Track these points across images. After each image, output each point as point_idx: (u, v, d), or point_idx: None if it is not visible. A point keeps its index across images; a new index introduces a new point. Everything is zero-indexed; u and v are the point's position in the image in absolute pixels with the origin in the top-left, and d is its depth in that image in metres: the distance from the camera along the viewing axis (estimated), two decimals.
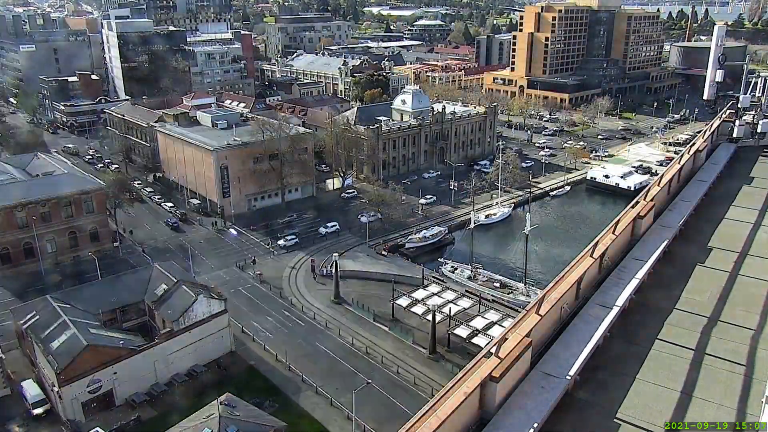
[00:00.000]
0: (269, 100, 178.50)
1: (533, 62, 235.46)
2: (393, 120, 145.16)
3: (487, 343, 18.41)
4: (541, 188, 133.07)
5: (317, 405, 61.51)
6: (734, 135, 37.67)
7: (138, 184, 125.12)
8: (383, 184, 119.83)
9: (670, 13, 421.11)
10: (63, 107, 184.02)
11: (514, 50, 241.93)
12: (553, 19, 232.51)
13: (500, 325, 69.41)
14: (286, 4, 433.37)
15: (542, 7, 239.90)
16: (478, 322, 72.38)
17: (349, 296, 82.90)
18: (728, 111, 39.32)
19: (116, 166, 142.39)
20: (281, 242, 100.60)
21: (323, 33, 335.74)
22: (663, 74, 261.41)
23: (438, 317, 69.61)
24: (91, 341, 59.48)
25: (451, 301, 76.24)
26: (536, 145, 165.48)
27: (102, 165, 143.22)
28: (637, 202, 25.67)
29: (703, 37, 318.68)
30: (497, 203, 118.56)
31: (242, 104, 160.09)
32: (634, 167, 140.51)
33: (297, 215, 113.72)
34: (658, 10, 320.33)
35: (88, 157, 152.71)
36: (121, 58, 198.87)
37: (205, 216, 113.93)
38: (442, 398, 14.52)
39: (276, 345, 71.82)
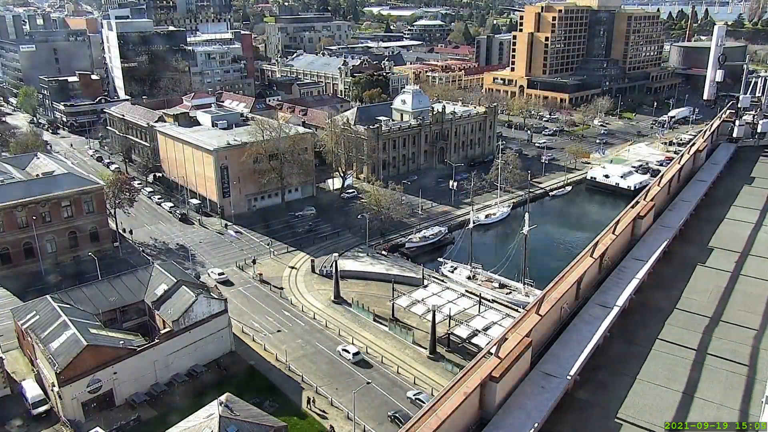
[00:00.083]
0: (269, 100, 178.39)
1: (533, 62, 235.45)
2: (393, 120, 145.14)
3: (487, 343, 18.41)
4: (542, 188, 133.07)
5: (317, 405, 61.43)
6: (734, 135, 37.68)
7: (138, 184, 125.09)
8: (383, 184, 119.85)
9: (670, 13, 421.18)
10: (63, 107, 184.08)
11: (514, 50, 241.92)
12: (553, 19, 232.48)
13: (500, 325, 69.40)
14: (286, 4, 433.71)
15: (542, 7, 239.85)
16: (478, 322, 72.40)
17: (349, 296, 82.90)
18: (728, 111, 39.33)
19: (116, 166, 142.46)
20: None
21: (323, 33, 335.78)
22: (663, 74, 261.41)
23: (438, 317, 69.60)
24: (90, 341, 59.47)
25: (451, 301, 76.27)
26: (536, 145, 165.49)
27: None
28: (637, 202, 25.67)
29: (703, 37, 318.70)
30: (497, 203, 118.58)
31: (242, 104, 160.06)
32: (634, 167, 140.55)
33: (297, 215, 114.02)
34: (658, 10, 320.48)
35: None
36: (121, 58, 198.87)
37: (205, 216, 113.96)
38: (442, 398, 14.53)
39: (276, 345, 71.84)
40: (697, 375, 17.05)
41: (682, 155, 31.81)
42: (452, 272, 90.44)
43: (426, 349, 70.22)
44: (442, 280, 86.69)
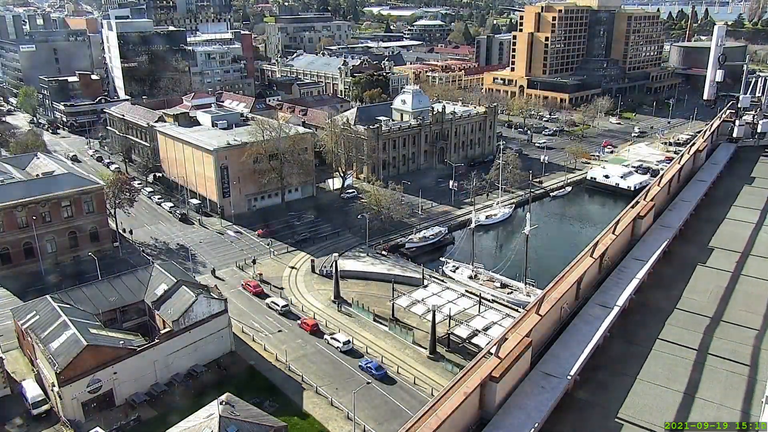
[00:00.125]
0: (269, 100, 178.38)
1: (533, 62, 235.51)
2: (393, 120, 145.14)
3: (487, 343, 18.41)
4: (542, 188, 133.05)
5: (317, 405, 61.51)
6: (734, 135, 37.68)
7: (138, 184, 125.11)
8: (383, 184, 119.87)
9: (670, 13, 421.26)
10: (63, 107, 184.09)
11: (514, 50, 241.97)
12: (553, 19, 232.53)
13: (500, 325, 69.39)
14: (286, 4, 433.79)
15: (542, 7, 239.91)
16: (478, 322, 72.38)
17: (349, 296, 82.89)
18: (728, 111, 39.34)
19: (116, 166, 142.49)
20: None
21: (323, 33, 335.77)
22: (663, 74, 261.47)
23: (438, 317, 69.60)
24: (90, 341, 59.46)
25: (451, 301, 76.26)
26: (536, 145, 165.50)
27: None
28: (637, 202, 25.67)
29: (703, 37, 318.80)
30: (498, 203, 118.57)
31: (242, 104, 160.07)
32: (634, 167, 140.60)
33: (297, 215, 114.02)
34: (658, 10, 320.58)
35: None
36: (121, 58, 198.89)
37: (205, 216, 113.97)
38: (442, 398, 14.53)
39: (276, 345, 71.84)
40: (697, 375, 17.05)
41: (682, 155, 31.81)
42: (454, 272, 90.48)
43: (426, 349, 70.21)
44: (442, 280, 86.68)
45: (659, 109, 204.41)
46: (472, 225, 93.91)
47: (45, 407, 60.17)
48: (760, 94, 39.79)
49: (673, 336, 18.71)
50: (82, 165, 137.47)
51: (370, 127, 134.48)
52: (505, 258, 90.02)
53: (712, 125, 38.00)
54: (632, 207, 25.48)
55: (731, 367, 17.22)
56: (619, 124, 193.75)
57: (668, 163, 47.06)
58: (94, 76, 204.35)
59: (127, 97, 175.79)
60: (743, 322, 19.29)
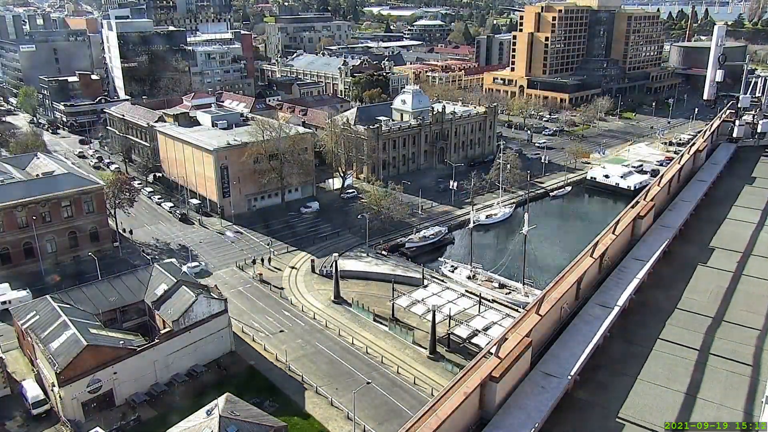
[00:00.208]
0: (269, 100, 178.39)
1: (533, 62, 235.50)
2: (393, 120, 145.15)
3: (487, 343, 18.40)
4: (543, 188, 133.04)
5: (317, 405, 61.52)
6: (734, 135, 37.68)
7: (138, 184, 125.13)
8: (383, 184, 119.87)
9: (670, 13, 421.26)
10: (63, 107, 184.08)
11: (514, 50, 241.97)
12: (553, 19, 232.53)
13: (500, 325, 69.37)
14: (286, 4, 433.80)
15: (542, 7, 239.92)
16: (478, 322, 72.37)
17: (349, 296, 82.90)
18: (728, 111, 39.34)
19: (116, 166, 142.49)
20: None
21: (323, 33, 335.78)
22: (663, 74, 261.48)
23: (438, 317, 69.59)
24: (90, 341, 59.46)
25: (451, 301, 76.24)
26: (536, 145, 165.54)
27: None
28: (637, 202, 25.67)
29: (703, 37, 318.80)
30: (497, 203, 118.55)
31: (242, 104, 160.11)
32: (634, 167, 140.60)
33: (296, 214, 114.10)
34: (658, 10, 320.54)
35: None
36: (121, 58, 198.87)
37: (205, 216, 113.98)
38: (442, 398, 14.53)
39: (276, 345, 71.84)
40: (697, 375, 17.05)
41: (682, 155, 31.81)
42: (452, 272, 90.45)
43: (426, 349, 70.20)
44: (442, 280, 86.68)
45: (659, 109, 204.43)
46: (471, 225, 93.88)
47: (45, 407, 60.16)
48: (760, 94, 39.79)
49: (673, 336, 18.71)
50: (82, 165, 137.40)
51: (370, 127, 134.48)
52: (504, 258, 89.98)
53: (712, 125, 38.00)
54: (632, 207, 25.48)
55: (731, 367, 17.22)
56: (623, 123, 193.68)
57: (668, 163, 47.07)
58: (94, 76, 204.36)
59: (127, 97, 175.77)
60: (743, 322, 19.29)
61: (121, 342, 62.74)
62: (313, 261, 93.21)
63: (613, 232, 22.95)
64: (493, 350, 15.90)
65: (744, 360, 17.50)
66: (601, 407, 16.09)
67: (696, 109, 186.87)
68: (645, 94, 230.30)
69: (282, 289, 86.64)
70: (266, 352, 70.69)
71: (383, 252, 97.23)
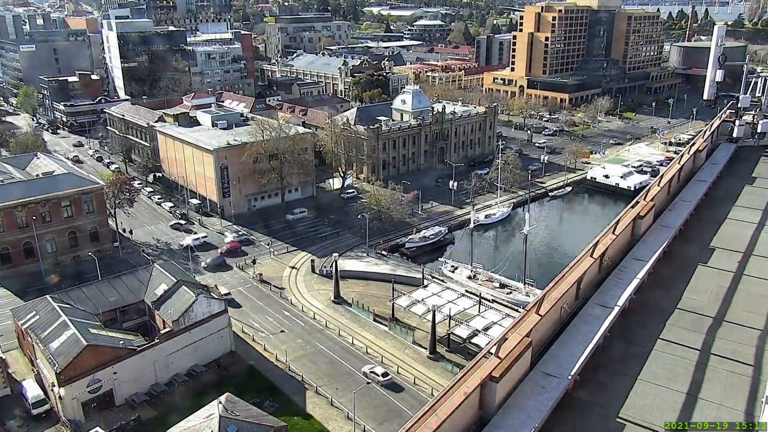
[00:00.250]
0: (269, 100, 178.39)
1: (533, 62, 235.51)
2: (393, 120, 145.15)
3: (487, 343, 18.40)
4: (543, 187, 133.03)
5: (317, 405, 61.52)
6: (734, 135, 37.67)
7: (138, 184, 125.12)
8: (383, 184, 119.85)
9: (670, 13, 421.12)
10: (63, 107, 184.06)
11: (514, 50, 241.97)
12: (553, 19, 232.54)
13: (500, 325, 69.35)
14: (286, 4, 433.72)
15: (542, 7, 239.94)
16: (478, 322, 72.35)
17: (349, 296, 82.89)
18: (728, 111, 39.34)
19: (116, 166, 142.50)
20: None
21: (323, 33, 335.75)
22: (663, 74, 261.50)
23: (438, 317, 69.59)
24: (90, 341, 59.46)
25: (451, 301, 76.20)
26: (536, 145, 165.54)
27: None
28: (637, 202, 25.66)
29: (703, 37, 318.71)
30: (497, 203, 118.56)
31: (242, 104, 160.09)
32: (634, 167, 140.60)
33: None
34: (658, 10, 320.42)
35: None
36: (121, 58, 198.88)
37: (205, 216, 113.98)
38: (442, 398, 14.53)
39: (276, 345, 71.84)
40: (697, 375, 17.05)
41: (682, 155, 31.80)
42: (453, 272, 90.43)
43: (426, 349, 70.21)
44: (442, 280, 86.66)
45: (659, 109, 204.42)
46: (471, 225, 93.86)
47: (45, 407, 60.15)
48: (760, 94, 39.80)
49: (674, 336, 18.71)
50: (82, 165, 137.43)
51: (370, 127, 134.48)
52: (504, 258, 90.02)
53: (712, 125, 38.00)
54: (632, 207, 25.47)
55: (731, 367, 17.22)
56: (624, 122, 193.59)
57: (668, 163, 47.07)
58: (94, 76, 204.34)
59: (127, 97, 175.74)
60: (744, 322, 19.29)
61: (121, 342, 62.75)
62: (313, 261, 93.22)
63: (613, 232, 22.95)
64: (493, 350, 15.90)
65: (744, 360, 17.50)
66: (601, 407, 16.09)
67: (695, 109, 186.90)
68: (645, 94, 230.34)
69: (282, 289, 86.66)
70: (266, 352, 70.70)
71: (383, 252, 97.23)
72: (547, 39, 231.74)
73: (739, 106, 38.50)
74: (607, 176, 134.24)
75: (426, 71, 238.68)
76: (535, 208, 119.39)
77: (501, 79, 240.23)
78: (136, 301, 71.62)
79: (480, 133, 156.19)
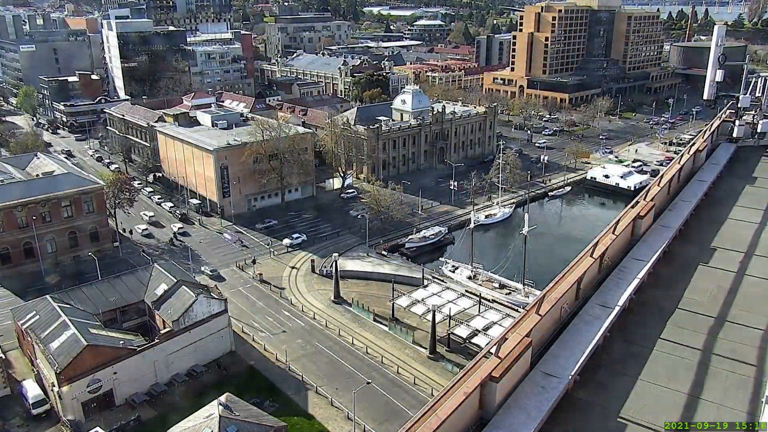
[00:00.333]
0: (269, 100, 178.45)
1: (533, 62, 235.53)
2: (393, 120, 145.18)
3: (487, 343, 18.40)
4: (543, 187, 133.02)
5: (317, 405, 61.52)
6: (734, 135, 37.66)
7: (138, 184, 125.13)
8: (383, 184, 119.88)
9: (670, 13, 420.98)
10: (63, 107, 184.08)
11: (514, 50, 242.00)
12: (553, 19, 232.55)
13: (500, 325, 69.38)
14: (286, 4, 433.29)
15: (542, 7, 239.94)
16: (478, 322, 72.38)
17: (349, 296, 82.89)
18: (728, 111, 39.32)
19: (116, 166, 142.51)
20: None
21: (323, 33, 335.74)
22: (663, 74, 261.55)
23: (438, 317, 69.59)
24: (90, 341, 59.47)
25: (451, 301, 76.22)
26: (536, 145, 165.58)
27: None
28: (637, 202, 25.65)
29: (703, 37, 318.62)
30: (497, 203, 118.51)
31: (242, 104, 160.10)
32: (634, 167, 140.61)
33: (297, 214, 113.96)
34: (658, 10, 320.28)
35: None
36: (121, 58, 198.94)
37: (205, 216, 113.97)
38: (442, 398, 14.52)
39: (276, 345, 71.84)
40: (697, 375, 17.05)
41: (682, 155, 31.78)
42: (453, 272, 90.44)
43: (426, 349, 70.21)
44: (442, 280, 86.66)
45: (659, 109, 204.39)
46: (471, 225, 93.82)
47: (45, 407, 60.19)
48: (760, 94, 39.77)
49: (674, 336, 18.71)
50: (82, 165, 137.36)
51: (370, 127, 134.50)
52: (504, 258, 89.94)
53: (712, 125, 37.98)
54: (632, 207, 25.45)
55: (732, 367, 17.22)
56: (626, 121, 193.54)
57: (668, 163, 47.04)
58: (94, 76, 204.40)
59: (127, 97, 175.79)
60: (744, 322, 19.29)
61: (121, 342, 62.75)
62: (313, 261, 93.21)
63: (613, 232, 22.94)
64: (493, 350, 15.89)
65: (744, 360, 17.50)
66: (601, 407, 16.09)
67: (695, 110, 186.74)
68: (645, 94, 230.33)
69: (282, 289, 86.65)
70: (266, 352, 70.71)
71: (383, 252, 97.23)
72: (547, 39, 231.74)
73: (739, 106, 38.47)
74: (607, 176, 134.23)
75: (426, 71, 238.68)
76: (535, 208, 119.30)
77: (501, 79, 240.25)
78: (136, 301, 71.64)
79: (480, 133, 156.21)
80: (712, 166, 33.20)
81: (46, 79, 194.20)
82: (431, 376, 65.72)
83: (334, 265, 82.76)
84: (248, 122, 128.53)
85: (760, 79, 40.98)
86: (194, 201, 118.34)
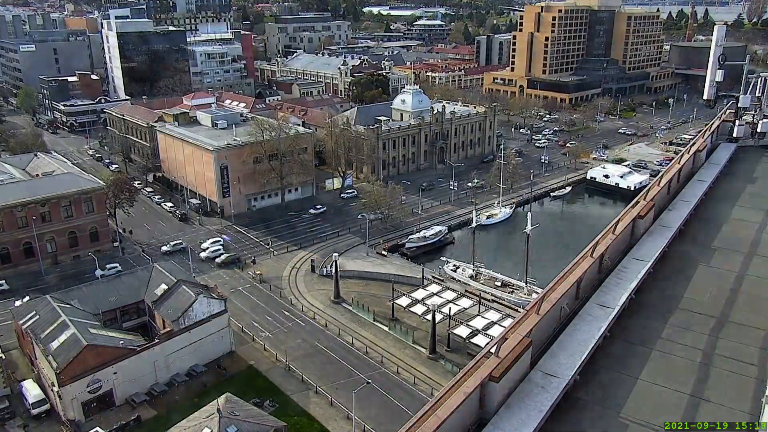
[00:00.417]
0: (269, 100, 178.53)
1: (533, 62, 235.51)
2: (393, 120, 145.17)
3: (487, 343, 18.39)
4: (543, 187, 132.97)
5: (317, 405, 61.51)
6: (734, 135, 37.65)
7: (138, 184, 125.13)
8: (383, 184, 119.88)
9: (670, 13, 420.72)
10: (63, 107, 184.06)
11: (514, 50, 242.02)
12: (553, 19, 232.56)
13: (500, 325, 69.38)
14: (286, 4, 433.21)
15: (542, 7, 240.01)
16: (478, 322, 72.35)
17: (349, 296, 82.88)
18: (728, 111, 39.32)
19: (116, 166, 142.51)
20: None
21: (323, 33, 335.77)
22: (663, 74, 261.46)
23: (438, 317, 69.59)
24: (90, 341, 59.49)
25: (451, 301, 76.20)
26: (536, 145, 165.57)
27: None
28: (637, 202, 25.63)
29: (702, 37, 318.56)
30: (498, 203, 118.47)
31: (242, 104, 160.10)
32: (634, 167, 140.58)
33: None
34: (658, 10, 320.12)
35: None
36: (121, 58, 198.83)
37: (205, 216, 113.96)
38: (442, 398, 14.51)
39: (276, 345, 71.84)
40: (697, 375, 17.04)
41: (682, 155, 31.77)
42: (455, 271, 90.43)
43: (426, 349, 70.22)
44: (442, 280, 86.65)
45: (659, 109, 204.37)
46: (473, 225, 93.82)
47: (45, 407, 60.20)
48: (760, 94, 39.77)
49: (674, 336, 18.70)
50: (81, 165, 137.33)
51: (370, 127, 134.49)
52: (506, 258, 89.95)
53: (712, 125, 37.97)
54: (632, 207, 25.44)
55: (732, 367, 17.21)
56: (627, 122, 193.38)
57: (667, 163, 47.00)
58: (94, 76, 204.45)
59: (127, 97, 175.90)
60: (744, 322, 19.29)
61: (121, 342, 62.75)
62: (313, 261, 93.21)
63: (613, 232, 22.92)
64: (493, 350, 15.88)
65: (744, 360, 17.49)
66: (601, 407, 16.08)
67: (695, 109, 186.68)
68: (645, 94, 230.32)
69: (282, 289, 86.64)
70: (266, 352, 70.71)
71: (383, 252, 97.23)
72: (546, 39, 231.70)
73: (739, 106, 38.46)
74: (607, 176, 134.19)
75: (426, 71, 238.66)
76: (535, 208, 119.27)
77: (501, 79, 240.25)
78: (136, 301, 71.64)
79: (480, 133, 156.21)
80: (712, 166, 33.18)
81: (46, 79, 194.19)
82: (431, 376, 65.72)
83: (334, 265, 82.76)
84: (248, 122, 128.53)
85: (760, 79, 40.97)
86: (194, 201, 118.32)
